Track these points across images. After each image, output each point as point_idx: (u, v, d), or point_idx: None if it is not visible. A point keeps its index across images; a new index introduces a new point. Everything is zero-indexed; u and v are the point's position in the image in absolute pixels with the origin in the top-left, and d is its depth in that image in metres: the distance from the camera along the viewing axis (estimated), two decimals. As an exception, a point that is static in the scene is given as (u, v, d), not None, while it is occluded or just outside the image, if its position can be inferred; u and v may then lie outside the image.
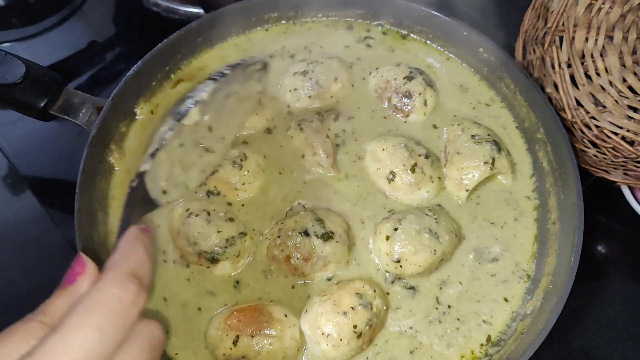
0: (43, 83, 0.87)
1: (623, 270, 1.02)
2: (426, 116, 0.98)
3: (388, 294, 0.82)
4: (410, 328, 0.81)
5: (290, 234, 0.80)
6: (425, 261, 0.80)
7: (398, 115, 0.97)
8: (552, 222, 0.89)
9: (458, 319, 0.82)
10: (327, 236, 0.80)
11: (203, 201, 0.85)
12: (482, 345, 0.81)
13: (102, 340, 0.45)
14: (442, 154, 0.94)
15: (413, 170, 0.87)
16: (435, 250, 0.80)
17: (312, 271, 0.81)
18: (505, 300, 0.84)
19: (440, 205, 0.90)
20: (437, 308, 0.82)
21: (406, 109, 0.97)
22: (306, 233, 0.80)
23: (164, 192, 0.70)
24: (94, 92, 0.90)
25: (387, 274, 0.83)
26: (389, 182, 0.88)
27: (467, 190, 0.89)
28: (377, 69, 1.01)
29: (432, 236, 0.81)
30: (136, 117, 0.94)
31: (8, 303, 0.91)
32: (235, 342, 0.74)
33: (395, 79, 0.97)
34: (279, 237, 0.81)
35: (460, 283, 0.85)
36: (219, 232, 0.80)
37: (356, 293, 0.76)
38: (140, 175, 0.63)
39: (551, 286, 0.82)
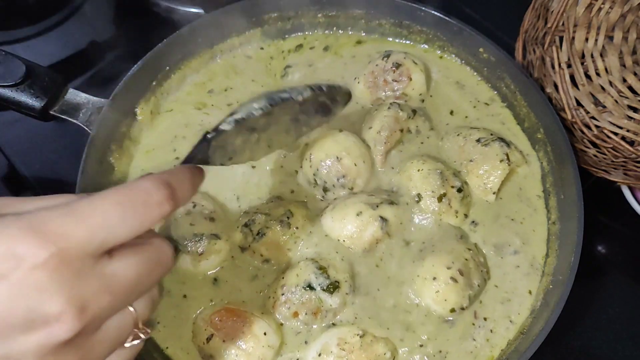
0: (43, 83, 0.87)
1: (623, 270, 1.02)
2: (431, 77, 1.00)
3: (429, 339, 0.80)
4: (440, 352, 0.79)
5: (294, 289, 0.77)
6: (468, 302, 0.80)
7: (402, 84, 0.97)
8: (552, 222, 0.89)
9: (491, 331, 0.81)
10: (334, 287, 0.78)
11: (199, 194, 0.85)
12: (502, 350, 0.80)
13: (120, 217, 0.44)
14: (454, 163, 0.93)
15: (440, 199, 0.86)
16: (477, 292, 0.82)
17: (321, 323, 0.79)
18: (530, 293, 0.84)
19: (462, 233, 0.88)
20: (473, 324, 0.81)
21: (404, 79, 0.96)
22: (310, 287, 0.77)
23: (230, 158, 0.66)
24: (94, 92, 0.90)
25: (434, 314, 0.81)
26: (413, 204, 0.87)
27: (494, 193, 0.89)
28: (355, 78, 1.01)
29: (476, 278, 0.81)
30: (136, 117, 0.94)
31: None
32: (208, 340, 0.74)
33: (376, 65, 0.98)
34: (282, 294, 0.78)
35: (496, 286, 0.84)
36: (191, 225, 0.80)
37: None
38: (219, 132, 0.59)
39: (551, 286, 0.82)
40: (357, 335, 0.75)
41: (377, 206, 0.83)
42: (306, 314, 0.77)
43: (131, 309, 0.48)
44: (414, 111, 0.94)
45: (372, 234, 0.82)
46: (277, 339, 0.76)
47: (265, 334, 0.74)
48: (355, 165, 0.86)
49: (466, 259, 0.81)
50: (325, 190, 0.88)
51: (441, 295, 0.78)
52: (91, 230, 0.43)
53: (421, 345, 0.79)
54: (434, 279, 0.79)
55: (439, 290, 0.78)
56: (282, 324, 0.79)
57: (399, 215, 0.85)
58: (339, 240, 0.83)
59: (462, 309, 0.78)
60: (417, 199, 0.87)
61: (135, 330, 0.50)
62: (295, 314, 0.77)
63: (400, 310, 0.81)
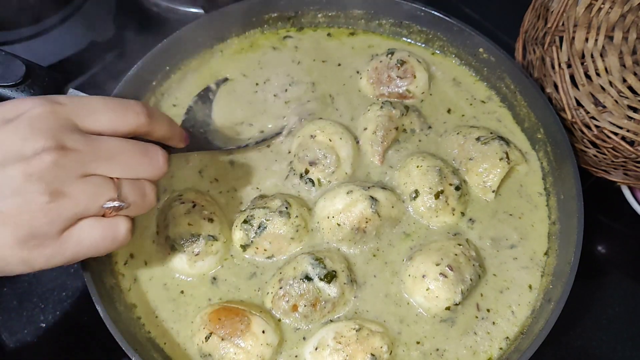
0: (43, 83, 0.87)
1: (623, 270, 1.02)
2: (430, 75, 1.01)
3: (425, 336, 0.80)
4: (437, 350, 0.79)
5: (291, 282, 0.78)
6: (462, 296, 0.79)
7: (406, 81, 0.98)
8: (552, 222, 0.89)
9: (493, 323, 0.81)
10: (331, 276, 0.78)
11: (199, 194, 0.86)
12: (501, 349, 0.80)
13: (102, 106, 0.62)
14: (453, 162, 0.94)
15: (437, 196, 0.86)
16: (468, 289, 0.80)
17: (321, 316, 0.79)
18: (530, 287, 0.84)
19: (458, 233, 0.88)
20: (476, 317, 0.81)
21: (408, 76, 0.98)
22: (308, 277, 0.78)
23: None
24: (94, 92, 0.89)
25: (428, 312, 0.81)
26: (410, 200, 0.88)
27: (493, 192, 0.90)
28: (357, 72, 1.03)
29: (471, 276, 0.80)
30: (136, 117, 0.94)
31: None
32: (207, 338, 0.74)
33: (380, 61, 0.99)
34: (280, 288, 0.78)
35: (495, 275, 0.85)
36: (189, 224, 0.80)
37: (371, 354, 0.73)
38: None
39: (551, 286, 0.82)
40: (354, 329, 0.75)
41: (369, 188, 0.84)
42: (305, 305, 0.77)
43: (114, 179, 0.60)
44: (407, 107, 0.95)
45: (362, 211, 0.82)
46: (276, 337, 0.76)
47: (263, 332, 0.74)
48: (330, 140, 0.89)
49: (456, 254, 0.81)
50: (307, 171, 0.89)
51: (432, 292, 0.78)
52: (80, 105, 0.60)
53: (418, 342, 0.79)
54: (424, 276, 0.79)
55: (429, 288, 0.79)
56: (280, 320, 0.79)
57: (390, 199, 0.85)
58: (328, 217, 0.83)
59: (456, 304, 0.78)
60: (414, 195, 0.87)
61: (115, 198, 0.60)
62: (294, 307, 0.78)
63: (394, 305, 0.81)
